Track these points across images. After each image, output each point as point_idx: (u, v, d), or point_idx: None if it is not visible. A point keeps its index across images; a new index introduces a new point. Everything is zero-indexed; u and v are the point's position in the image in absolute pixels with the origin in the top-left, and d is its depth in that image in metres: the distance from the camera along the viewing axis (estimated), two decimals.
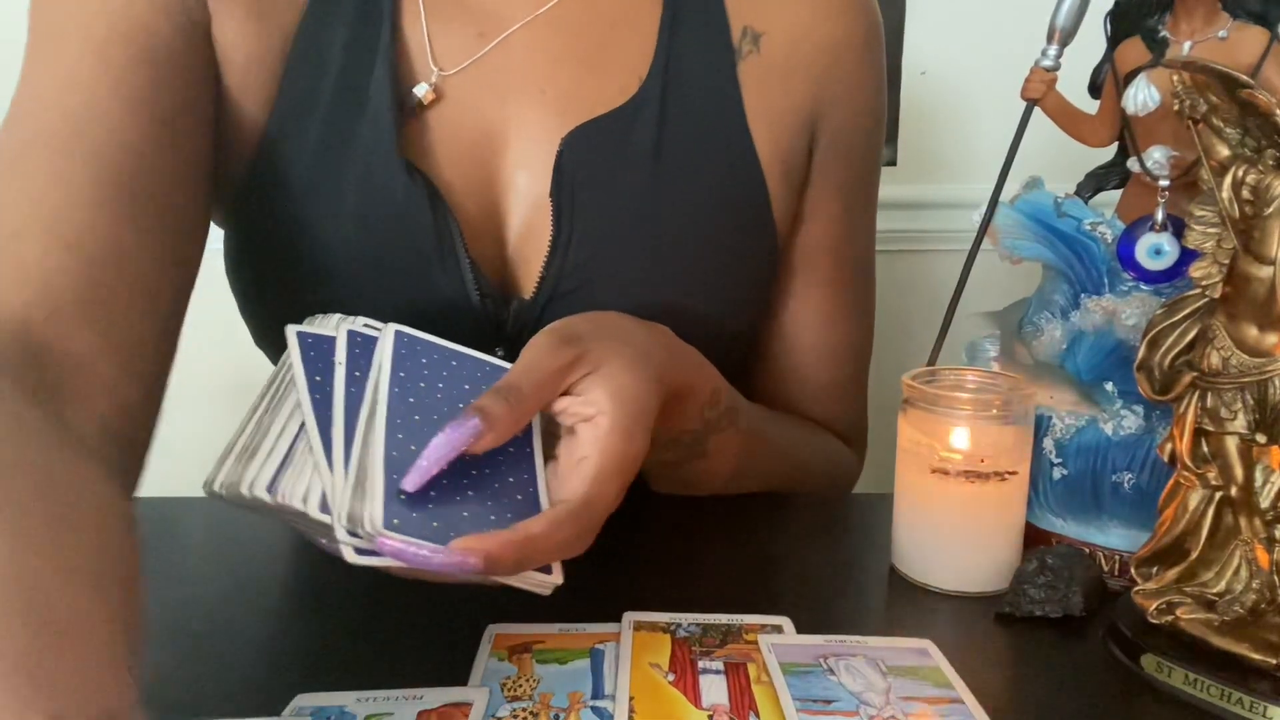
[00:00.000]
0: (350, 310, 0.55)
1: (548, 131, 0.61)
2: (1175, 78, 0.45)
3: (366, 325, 0.47)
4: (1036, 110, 0.59)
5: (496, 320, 0.60)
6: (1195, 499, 0.47)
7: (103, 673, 0.28)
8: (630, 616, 0.49)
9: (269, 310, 0.62)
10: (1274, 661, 0.42)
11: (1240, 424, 0.44)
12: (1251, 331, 0.44)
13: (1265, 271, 0.43)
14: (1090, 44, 0.59)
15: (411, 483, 0.39)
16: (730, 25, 0.65)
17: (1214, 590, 0.46)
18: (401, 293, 0.58)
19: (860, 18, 0.68)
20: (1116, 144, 0.59)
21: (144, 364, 0.49)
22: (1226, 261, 0.45)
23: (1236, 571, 0.46)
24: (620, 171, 0.61)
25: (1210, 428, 0.45)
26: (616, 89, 0.62)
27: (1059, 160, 0.66)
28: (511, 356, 0.59)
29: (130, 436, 0.47)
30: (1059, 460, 0.56)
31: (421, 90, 0.60)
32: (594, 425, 0.44)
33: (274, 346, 0.64)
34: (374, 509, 0.38)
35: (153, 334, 0.51)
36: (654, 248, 0.61)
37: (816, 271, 0.71)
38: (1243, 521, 0.45)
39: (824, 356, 0.73)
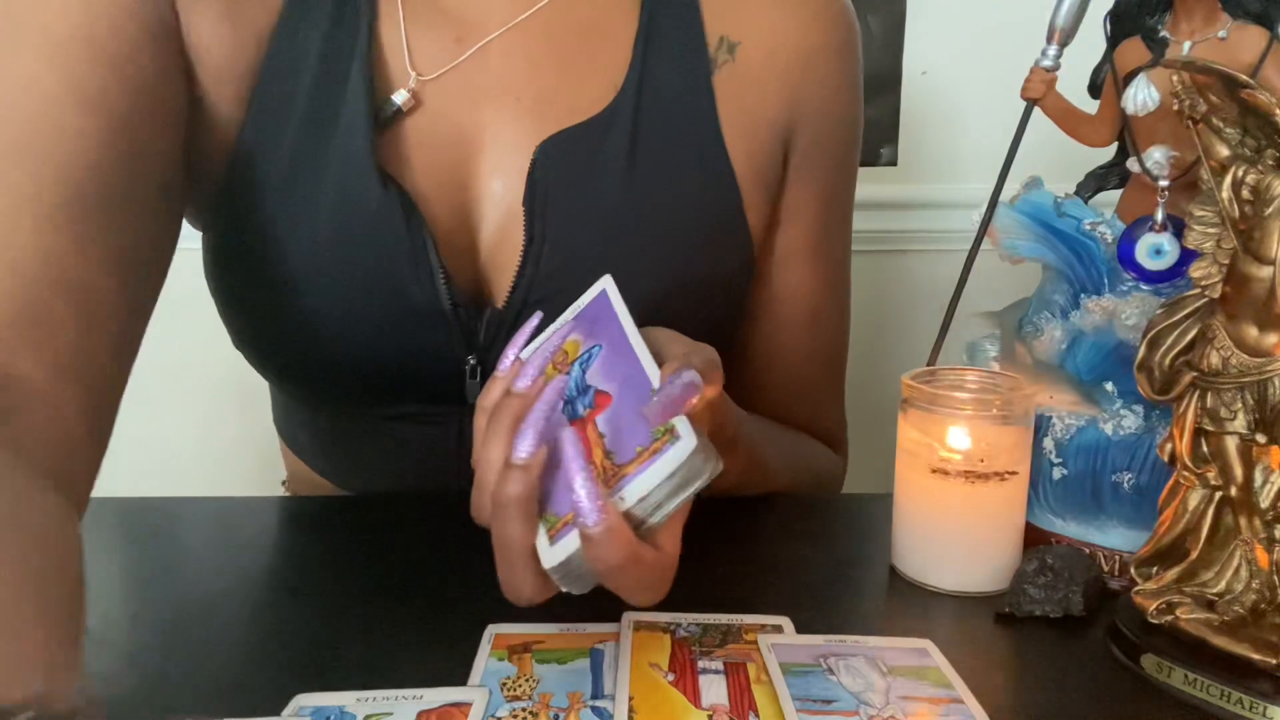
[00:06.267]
0: (322, 317, 0.57)
1: (522, 139, 0.61)
2: (1175, 78, 0.45)
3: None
4: (1036, 110, 0.59)
5: (469, 329, 0.61)
6: (1195, 499, 0.47)
7: (30, 659, 0.30)
8: (630, 616, 0.49)
9: (246, 313, 0.63)
10: (1274, 661, 0.42)
11: (1240, 424, 0.44)
12: (1251, 331, 0.44)
13: (1265, 271, 0.43)
14: (1090, 44, 0.59)
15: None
16: (707, 35, 0.65)
17: (1214, 590, 0.46)
18: (375, 301, 0.59)
19: (837, 25, 0.68)
20: (1116, 144, 0.59)
21: (89, 383, 0.47)
22: (1226, 261, 0.45)
23: (1236, 571, 0.46)
24: (593, 180, 0.61)
25: (1210, 427, 0.45)
26: (592, 97, 0.63)
27: (1059, 160, 0.66)
28: (484, 366, 0.61)
29: (74, 453, 0.45)
30: (1059, 460, 0.56)
31: (400, 98, 0.60)
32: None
33: (252, 347, 0.64)
34: None
35: (101, 353, 0.48)
36: (626, 257, 0.61)
37: (796, 275, 0.71)
38: (1242, 521, 0.45)
39: (805, 359, 0.74)
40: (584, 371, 0.46)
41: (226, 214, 0.61)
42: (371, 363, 0.61)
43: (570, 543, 0.39)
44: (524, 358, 0.47)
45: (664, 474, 0.39)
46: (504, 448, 0.42)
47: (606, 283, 0.49)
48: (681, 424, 0.40)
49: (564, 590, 0.41)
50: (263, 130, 0.59)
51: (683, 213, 0.63)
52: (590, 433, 0.43)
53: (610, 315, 0.47)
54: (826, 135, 0.69)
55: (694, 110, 0.64)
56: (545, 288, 0.60)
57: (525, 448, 0.40)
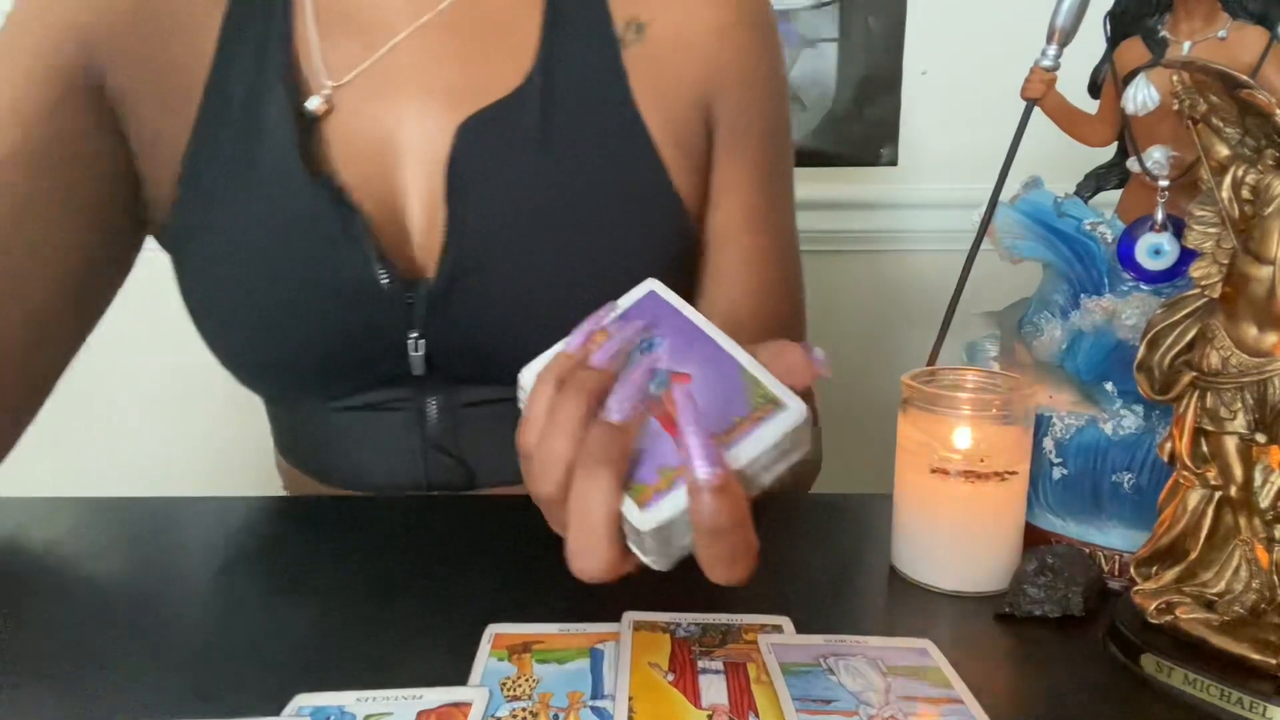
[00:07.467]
0: (271, 308, 0.63)
1: (438, 126, 0.65)
2: (1175, 77, 0.45)
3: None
4: (1036, 110, 0.59)
5: (406, 303, 0.64)
6: (1195, 499, 0.47)
7: None
8: (630, 616, 0.49)
9: (209, 320, 0.67)
10: (1274, 661, 0.42)
11: (1240, 424, 0.44)
12: (1251, 331, 0.44)
13: (1265, 271, 0.43)
14: (1090, 44, 0.59)
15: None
16: (613, 18, 0.68)
17: (1214, 590, 0.46)
18: (317, 287, 0.63)
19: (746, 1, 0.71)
20: (1116, 144, 0.59)
21: None
22: (1226, 261, 0.45)
23: (1236, 571, 0.46)
24: (508, 157, 0.64)
25: (1210, 427, 0.45)
26: (501, 84, 0.66)
27: (1059, 160, 0.66)
28: (426, 340, 0.65)
29: None
30: (1059, 460, 0.56)
31: (314, 103, 0.65)
32: None
33: (221, 351, 0.68)
34: None
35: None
36: (549, 226, 0.64)
37: (739, 248, 0.73)
38: (1242, 521, 0.45)
39: (760, 332, 0.74)
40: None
41: (180, 230, 0.66)
42: (320, 346, 0.65)
43: (673, 502, 0.38)
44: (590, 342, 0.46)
45: (774, 438, 0.39)
46: (582, 409, 0.40)
47: (653, 284, 0.49)
48: (787, 395, 0.41)
49: (645, 561, 0.40)
50: (203, 148, 0.64)
51: (603, 185, 0.66)
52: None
53: (668, 310, 0.47)
54: (751, 105, 0.71)
55: (605, 86, 0.67)
56: (471, 259, 0.63)
57: (624, 408, 0.40)
